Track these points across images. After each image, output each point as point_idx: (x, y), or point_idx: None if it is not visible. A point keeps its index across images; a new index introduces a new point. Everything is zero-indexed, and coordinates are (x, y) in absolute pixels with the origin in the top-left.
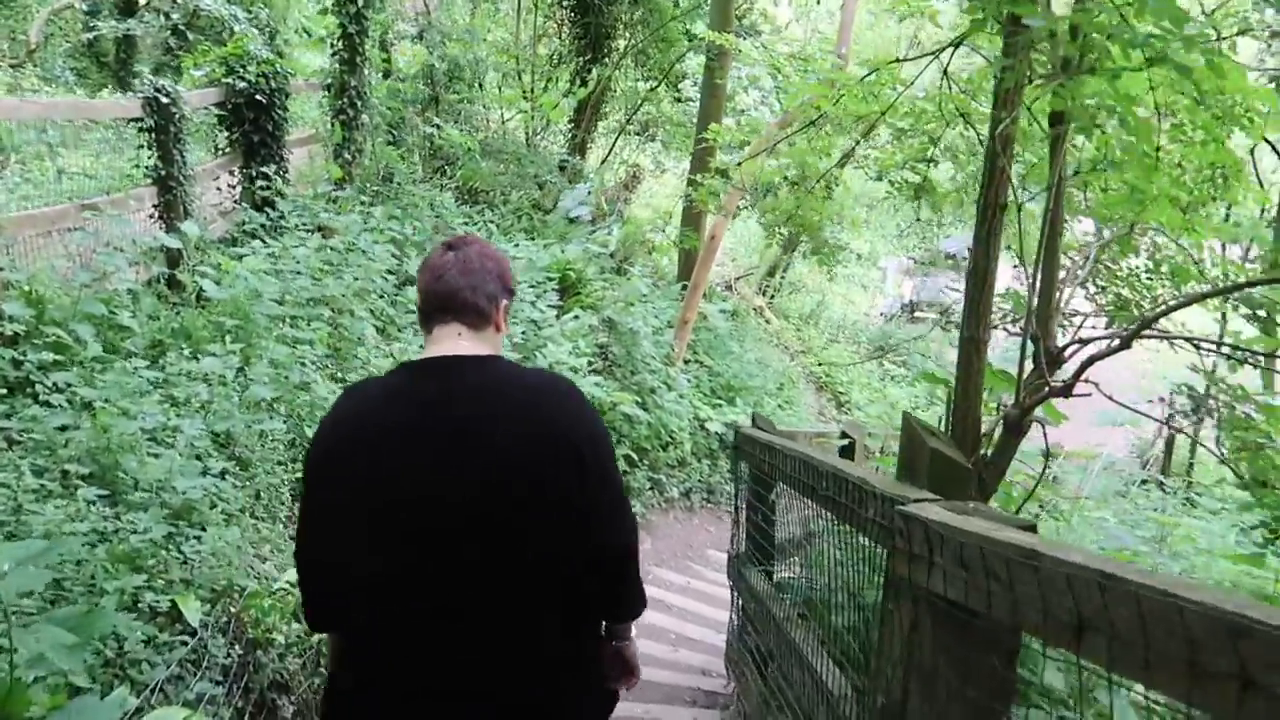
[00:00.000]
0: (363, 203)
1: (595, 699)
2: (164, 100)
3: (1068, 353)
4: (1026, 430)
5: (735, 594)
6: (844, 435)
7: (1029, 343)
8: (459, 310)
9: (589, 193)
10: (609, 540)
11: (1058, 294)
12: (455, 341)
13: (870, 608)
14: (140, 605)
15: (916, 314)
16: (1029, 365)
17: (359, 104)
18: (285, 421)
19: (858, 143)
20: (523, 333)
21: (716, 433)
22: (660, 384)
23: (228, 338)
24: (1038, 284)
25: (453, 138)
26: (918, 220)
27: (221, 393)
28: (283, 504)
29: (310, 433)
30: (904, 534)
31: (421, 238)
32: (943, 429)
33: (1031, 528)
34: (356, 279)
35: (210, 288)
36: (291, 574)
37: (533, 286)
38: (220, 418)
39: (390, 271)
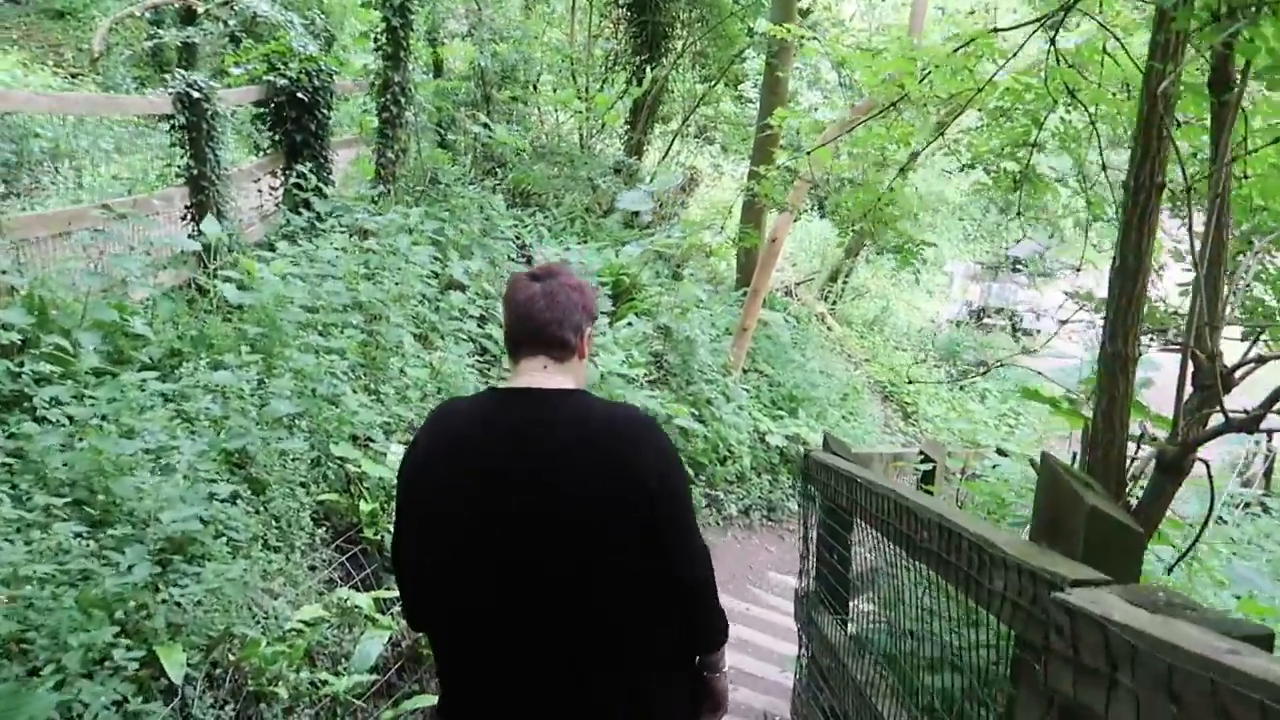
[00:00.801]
0: (406, 204)
1: None
2: (195, 96)
3: (1238, 373)
4: (1188, 471)
5: (804, 638)
6: (924, 457)
7: (1189, 360)
8: (546, 344)
9: (650, 193)
10: (682, 575)
11: (1224, 299)
12: (541, 374)
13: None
14: (113, 660)
15: (984, 320)
16: (1188, 388)
17: (402, 101)
18: (309, 438)
19: (942, 130)
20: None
21: (778, 446)
22: (718, 394)
23: (246, 347)
24: (1200, 286)
25: (501, 137)
26: (982, 219)
27: (237, 407)
28: (303, 529)
29: (336, 450)
30: (1065, 633)
31: (468, 240)
32: (1075, 467)
33: (1268, 638)
34: (397, 284)
35: (231, 292)
36: (307, 610)
37: None
38: (234, 435)
39: (433, 275)
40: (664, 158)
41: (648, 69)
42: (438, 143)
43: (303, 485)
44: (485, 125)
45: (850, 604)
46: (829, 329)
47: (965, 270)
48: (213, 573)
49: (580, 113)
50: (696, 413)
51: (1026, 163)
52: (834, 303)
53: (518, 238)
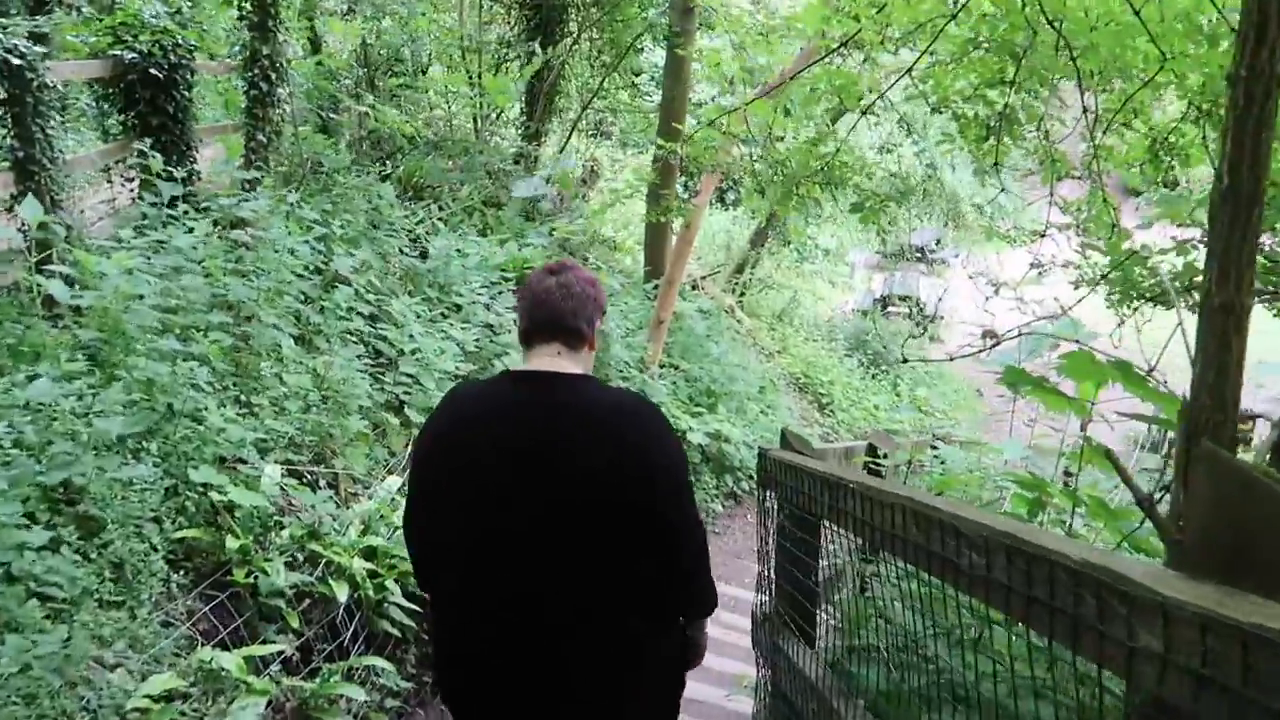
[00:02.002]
0: (281, 194)
1: (667, 682)
2: (16, 63)
3: None
4: None
5: (765, 667)
6: (872, 450)
7: None
8: (562, 332)
9: (548, 179)
10: (682, 546)
11: None
12: (554, 359)
13: None
14: None
15: (889, 309)
16: None
17: (273, 77)
18: (162, 463)
19: (909, 69)
20: (476, 340)
21: (699, 444)
22: (635, 391)
23: (78, 354)
24: None
25: (388, 119)
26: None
27: (63, 429)
28: (153, 575)
29: (196, 475)
30: None
31: (354, 233)
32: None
33: None
34: (275, 280)
35: (59, 290)
36: (156, 681)
37: (485, 287)
38: (57, 464)
39: (315, 270)
40: (562, 149)
41: (541, 51)
42: (319, 128)
43: (155, 520)
44: (371, 107)
45: (821, 624)
46: (739, 321)
47: (866, 260)
48: (15, 649)
49: (472, 99)
50: None
51: (1003, 102)
52: (742, 295)
53: (409, 230)
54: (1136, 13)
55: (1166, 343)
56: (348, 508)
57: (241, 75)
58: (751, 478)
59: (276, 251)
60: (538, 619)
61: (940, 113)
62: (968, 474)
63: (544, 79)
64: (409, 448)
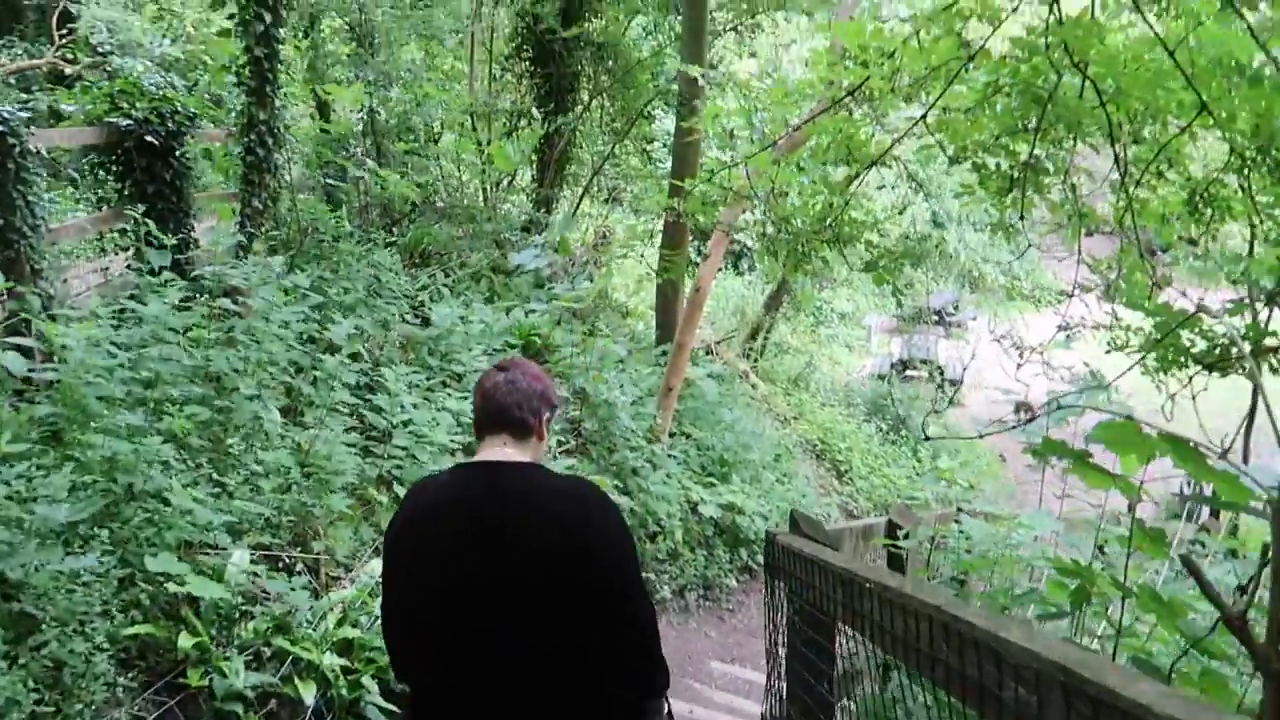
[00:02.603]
0: (275, 260)
1: None
2: None
3: None
4: None
5: None
6: (891, 528)
7: None
8: (507, 424)
9: (543, 244)
10: (629, 628)
11: None
12: (501, 449)
13: None
14: None
15: (907, 372)
16: None
17: (270, 143)
18: (114, 551)
19: (923, 116)
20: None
21: (711, 517)
22: (643, 462)
23: (36, 431)
24: None
25: (389, 183)
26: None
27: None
28: (98, 679)
29: (153, 564)
30: None
31: (352, 299)
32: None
33: None
34: (263, 351)
35: (13, 363)
36: None
37: (488, 355)
38: None
39: (308, 339)
40: (573, 212)
41: (540, 117)
42: (324, 196)
43: (105, 614)
44: (374, 172)
45: None
46: (753, 387)
47: (881, 323)
48: None
49: (479, 166)
50: (621, 485)
51: (1030, 150)
52: (756, 360)
53: (412, 297)
54: (1171, 54)
55: (1250, 415)
56: (326, 594)
57: (238, 141)
58: None
59: (266, 320)
60: (500, 700)
61: (959, 162)
62: (998, 554)
63: (554, 145)
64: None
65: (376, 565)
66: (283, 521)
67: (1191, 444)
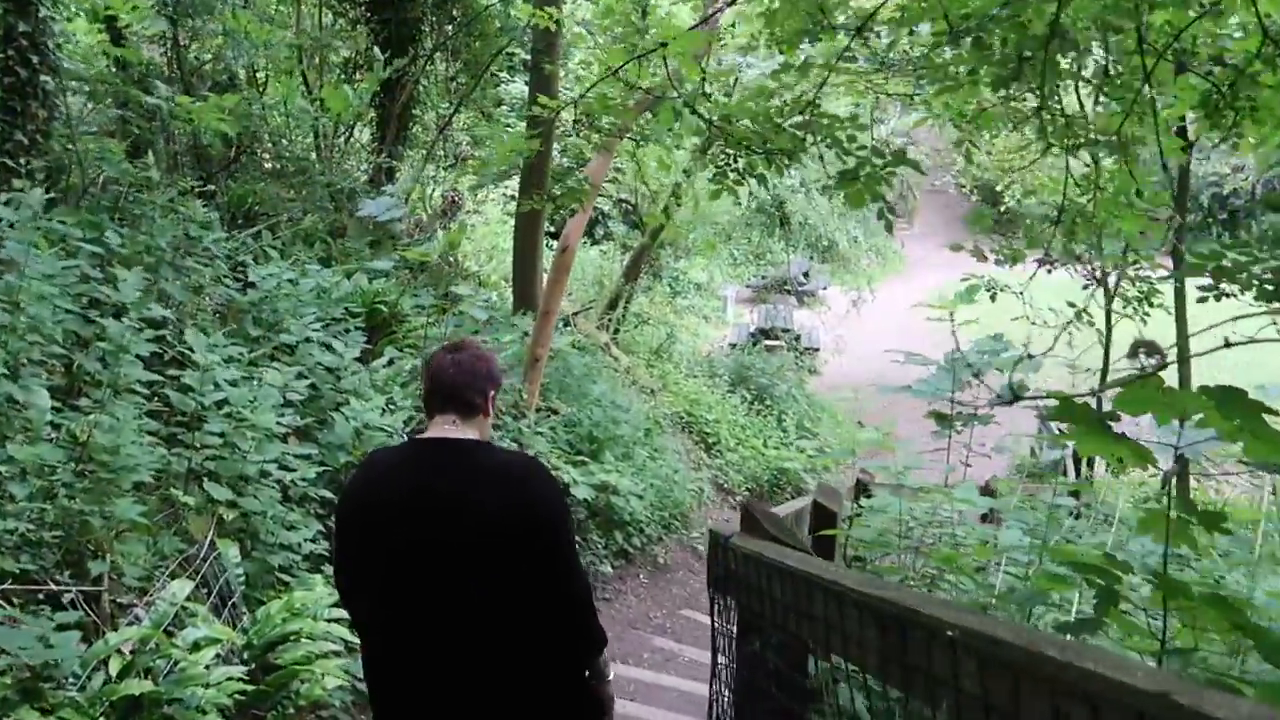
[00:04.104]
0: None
1: None
2: None
3: None
4: None
5: None
6: (820, 510)
7: None
8: (454, 404)
9: (399, 198)
10: (565, 591)
11: None
12: (450, 427)
13: None
14: None
15: (766, 342)
16: None
17: (35, 61)
18: None
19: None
20: (310, 386)
21: (584, 499)
22: (510, 442)
23: None
24: None
25: (196, 115)
26: (748, 242)
27: None
28: None
29: None
30: None
31: (154, 258)
32: None
33: None
34: (28, 316)
35: None
36: None
37: (326, 324)
38: None
39: (91, 303)
40: (419, 175)
41: (386, 62)
42: (124, 136)
43: None
44: (169, 99)
45: None
46: (615, 359)
47: (736, 294)
48: None
49: (311, 115)
50: None
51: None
52: (616, 331)
53: (231, 257)
54: None
55: None
56: (105, 634)
57: None
58: (644, 531)
59: (23, 275)
60: (441, 660)
61: (961, 35)
62: (974, 543)
63: (395, 98)
64: (210, 535)
65: (179, 587)
66: (44, 538)
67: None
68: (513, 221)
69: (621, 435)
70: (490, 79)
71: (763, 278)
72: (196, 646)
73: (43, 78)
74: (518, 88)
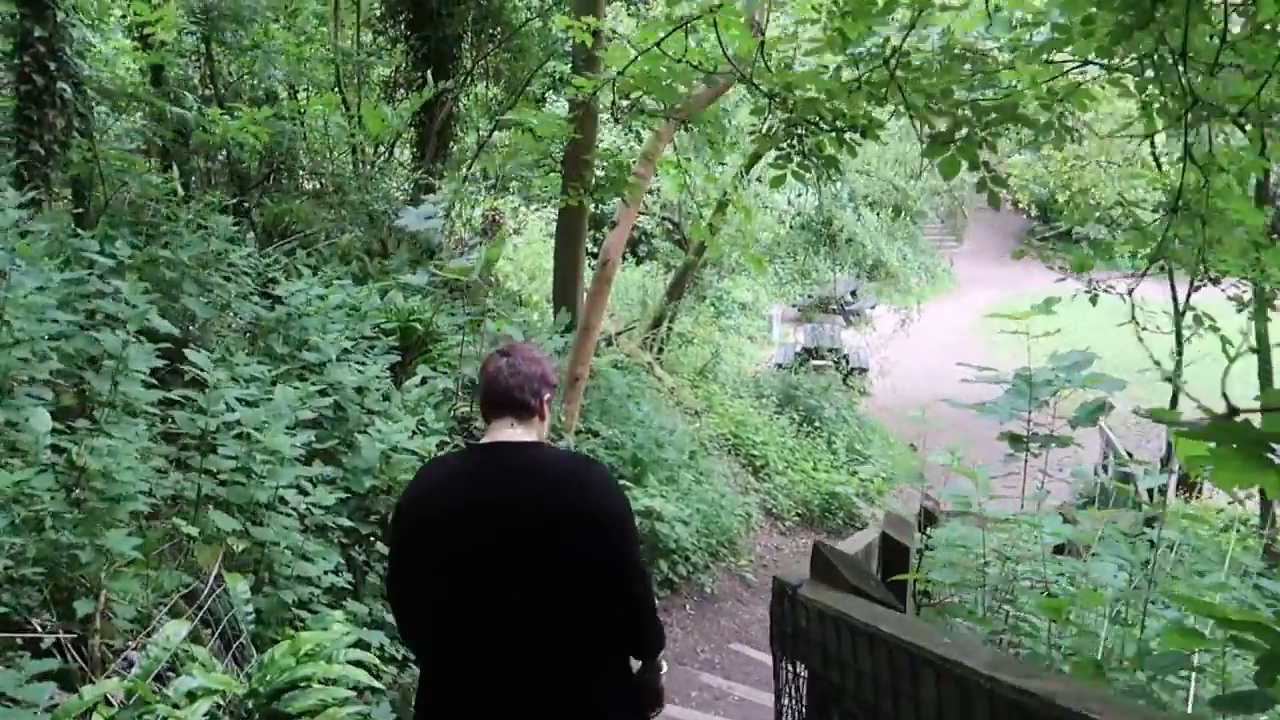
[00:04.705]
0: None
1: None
2: None
3: None
4: None
5: None
6: (888, 544)
7: None
8: (510, 407)
9: (438, 207)
10: (628, 592)
11: None
12: (508, 430)
13: None
14: None
15: (813, 361)
16: None
17: (53, 68)
18: None
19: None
20: (336, 407)
21: None
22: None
23: None
24: None
25: (223, 126)
26: (793, 260)
27: None
28: None
29: None
30: None
31: (177, 273)
32: None
33: None
34: (22, 331)
35: None
36: None
37: (353, 342)
38: None
39: (88, 315)
40: (459, 189)
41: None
42: (159, 151)
43: None
44: (196, 109)
45: None
46: (659, 379)
47: (782, 313)
48: None
49: (348, 130)
50: None
51: None
52: (660, 351)
53: (259, 273)
54: None
55: None
56: (88, 684)
57: (6, 64)
58: (689, 559)
59: (40, 290)
60: (500, 663)
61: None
62: (1061, 582)
63: (435, 117)
64: (216, 566)
65: (174, 628)
66: (26, 575)
67: None
68: (554, 242)
69: (666, 458)
70: (530, 97)
71: (809, 297)
72: (192, 697)
73: (60, 85)
74: (562, 107)
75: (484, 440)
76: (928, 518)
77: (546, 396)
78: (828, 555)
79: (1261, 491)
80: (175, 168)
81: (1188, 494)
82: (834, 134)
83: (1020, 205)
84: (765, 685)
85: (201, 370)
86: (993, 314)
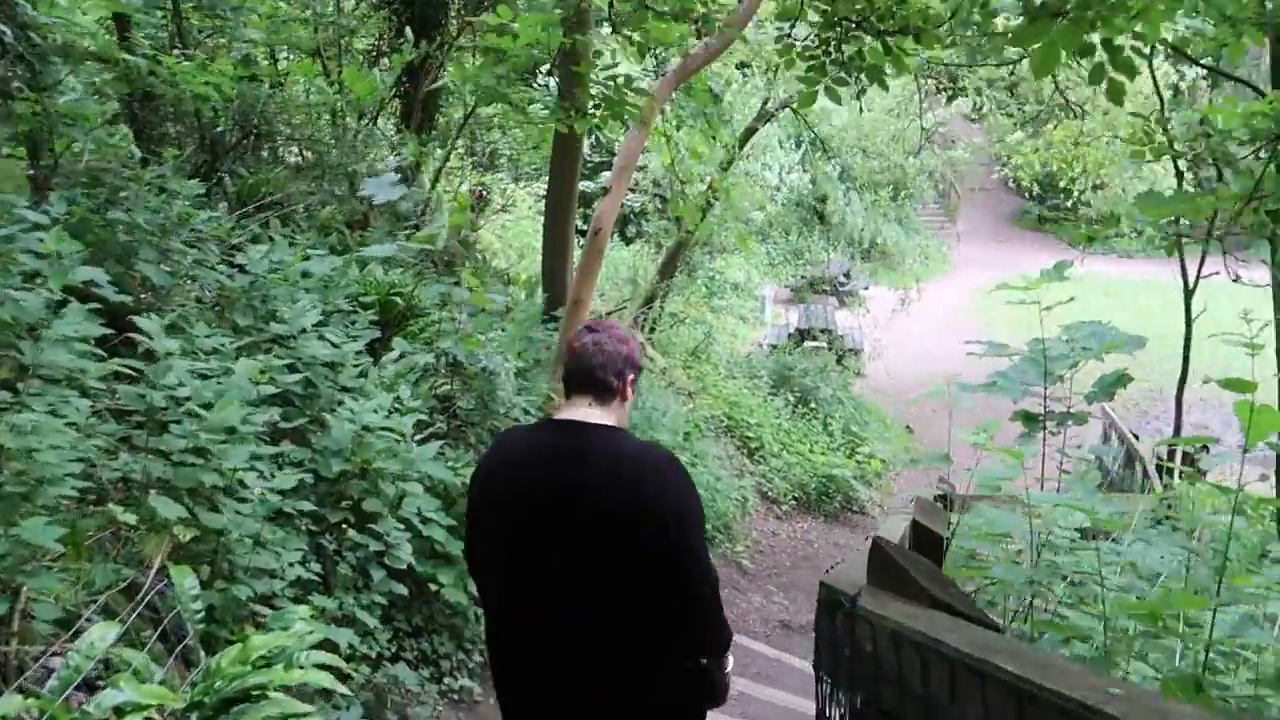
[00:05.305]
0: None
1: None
2: None
3: None
4: None
5: None
6: (920, 531)
7: None
8: (591, 385)
9: (399, 173)
10: (690, 591)
11: None
12: (585, 409)
13: None
14: None
15: (807, 343)
16: None
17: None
18: None
19: None
20: (302, 382)
21: None
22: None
23: None
24: None
25: (179, 75)
26: (785, 240)
27: None
28: None
29: None
30: None
31: (128, 237)
32: None
33: None
34: None
35: None
36: None
37: (330, 314)
38: None
39: (25, 279)
40: (443, 165)
41: (414, 44)
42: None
43: None
44: (151, 57)
45: None
46: (651, 360)
47: (774, 294)
48: None
49: (326, 94)
50: None
51: None
52: (651, 331)
53: (225, 239)
54: None
55: None
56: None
57: None
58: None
59: None
60: (558, 643)
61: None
62: (1175, 589)
63: (420, 85)
64: (160, 558)
65: (104, 631)
66: None
67: None
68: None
69: (659, 439)
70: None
71: (802, 277)
72: (120, 713)
73: (0, 27)
74: (551, 83)
75: (559, 416)
76: (944, 503)
77: (631, 378)
78: (895, 556)
79: None
80: (125, 124)
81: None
82: (878, 38)
83: (1022, 184)
84: (765, 679)
85: (150, 339)
86: (1001, 286)
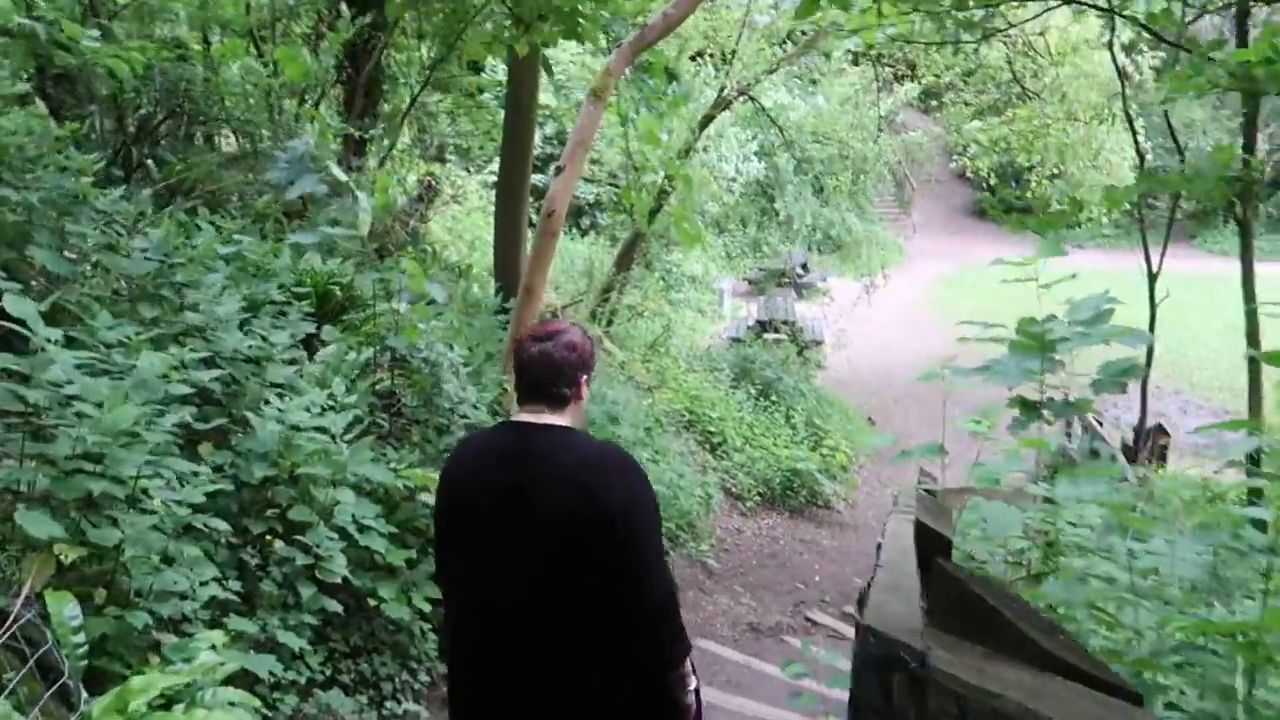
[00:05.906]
0: None
1: None
2: None
3: None
4: None
5: None
6: (924, 533)
7: None
8: (540, 396)
9: (305, 154)
10: (643, 596)
11: None
12: (538, 414)
13: None
14: None
15: (766, 335)
16: None
17: None
18: None
19: None
20: (224, 379)
21: None
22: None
23: None
24: None
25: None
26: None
27: None
28: None
29: None
30: None
31: (27, 212)
32: None
33: None
34: None
35: None
36: None
37: (249, 309)
38: None
39: None
40: (387, 155)
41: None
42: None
43: None
44: (49, 21)
45: None
46: (609, 353)
47: (733, 287)
48: None
49: (258, 74)
50: None
51: None
52: (609, 324)
53: (134, 223)
54: None
55: None
56: None
57: None
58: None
59: None
60: (507, 654)
61: None
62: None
63: (361, 68)
64: (32, 581)
65: None
66: None
67: None
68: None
69: (620, 435)
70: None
71: (760, 270)
72: None
73: None
74: (499, 73)
75: (514, 418)
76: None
77: (584, 378)
78: (978, 590)
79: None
80: (40, 103)
81: (1159, 464)
82: None
83: (980, 173)
84: (733, 687)
85: (24, 326)
86: (997, 261)
